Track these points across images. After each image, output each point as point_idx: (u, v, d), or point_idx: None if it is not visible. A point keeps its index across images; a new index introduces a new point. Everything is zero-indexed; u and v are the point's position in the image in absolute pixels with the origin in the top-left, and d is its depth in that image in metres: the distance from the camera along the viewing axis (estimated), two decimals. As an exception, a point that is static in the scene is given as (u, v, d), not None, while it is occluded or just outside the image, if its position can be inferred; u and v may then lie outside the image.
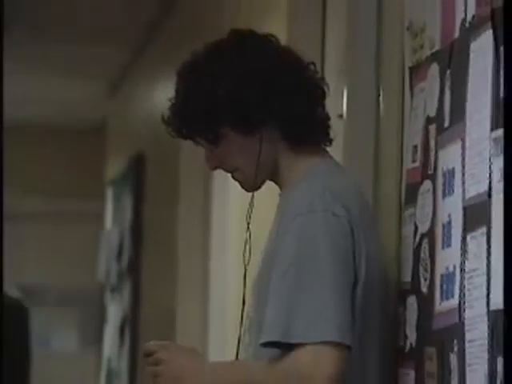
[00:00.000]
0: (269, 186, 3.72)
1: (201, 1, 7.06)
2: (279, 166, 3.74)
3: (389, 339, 3.79)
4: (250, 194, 3.91)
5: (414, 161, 3.66)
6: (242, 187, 3.83)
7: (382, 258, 3.71)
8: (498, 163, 3.03)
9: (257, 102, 3.67)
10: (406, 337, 3.67)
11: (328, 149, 3.85)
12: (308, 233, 3.54)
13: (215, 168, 3.87)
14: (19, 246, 11.29)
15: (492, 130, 3.07)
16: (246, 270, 3.85)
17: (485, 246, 3.09)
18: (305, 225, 3.51)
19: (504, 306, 2.96)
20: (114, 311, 10.50)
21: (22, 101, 10.50)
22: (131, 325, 9.69)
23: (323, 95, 3.83)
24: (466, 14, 3.27)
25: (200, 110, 3.73)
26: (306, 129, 3.74)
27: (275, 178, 3.77)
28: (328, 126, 3.82)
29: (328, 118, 3.82)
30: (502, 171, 3.02)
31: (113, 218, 10.23)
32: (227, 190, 6.70)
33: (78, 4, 8.16)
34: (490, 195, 3.08)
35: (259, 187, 3.81)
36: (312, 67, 3.84)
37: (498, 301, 3.01)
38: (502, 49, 3.03)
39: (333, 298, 3.50)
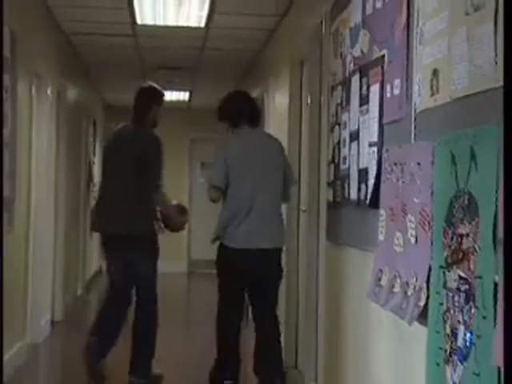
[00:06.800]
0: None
1: (276, 54, 6.85)
2: (230, 131, 3.93)
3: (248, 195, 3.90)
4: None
5: (332, 117, 3.55)
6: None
7: (244, 166, 3.85)
8: (362, 118, 2.99)
9: (229, 116, 3.91)
10: (333, 175, 3.52)
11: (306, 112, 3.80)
12: (216, 154, 3.91)
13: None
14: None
15: (360, 107, 3.02)
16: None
17: (356, 148, 3.04)
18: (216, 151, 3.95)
19: (365, 165, 2.94)
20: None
21: (201, 102, 10.41)
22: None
23: (258, 116, 4.03)
24: (349, 68, 3.19)
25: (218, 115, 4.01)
26: (236, 125, 3.91)
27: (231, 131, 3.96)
28: (253, 120, 3.94)
29: (254, 122, 3.96)
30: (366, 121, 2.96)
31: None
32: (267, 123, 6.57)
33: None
34: (358, 131, 3.03)
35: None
36: (256, 104, 4.08)
37: (363, 164, 2.96)
38: (363, 80, 2.96)
39: (218, 173, 3.77)
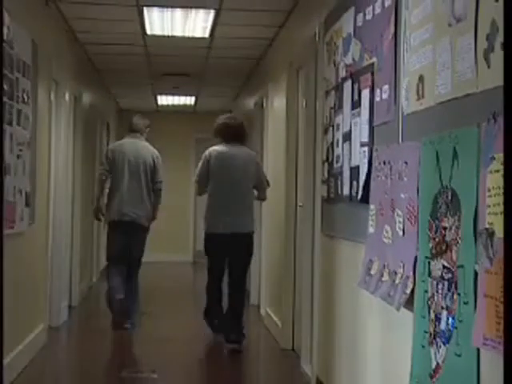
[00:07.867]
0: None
1: (274, 65, 6.79)
2: (221, 143, 4.45)
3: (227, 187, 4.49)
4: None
5: (326, 120, 3.53)
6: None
7: (222, 169, 4.49)
8: (354, 121, 2.98)
9: (221, 135, 4.52)
10: (327, 173, 3.50)
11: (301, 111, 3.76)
12: (202, 156, 4.52)
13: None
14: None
15: (352, 110, 3.01)
16: None
17: (348, 147, 3.03)
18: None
19: (356, 163, 2.92)
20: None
21: (206, 106, 10.37)
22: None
23: (243, 137, 4.60)
24: (342, 75, 3.18)
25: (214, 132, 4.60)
26: (225, 140, 4.52)
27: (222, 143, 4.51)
28: (238, 139, 4.56)
29: (239, 141, 4.61)
30: (358, 124, 2.94)
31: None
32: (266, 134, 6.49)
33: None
34: (350, 132, 3.02)
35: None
36: (243, 126, 4.63)
37: (355, 163, 2.95)
38: (354, 85, 2.95)
39: (200, 172, 4.38)
